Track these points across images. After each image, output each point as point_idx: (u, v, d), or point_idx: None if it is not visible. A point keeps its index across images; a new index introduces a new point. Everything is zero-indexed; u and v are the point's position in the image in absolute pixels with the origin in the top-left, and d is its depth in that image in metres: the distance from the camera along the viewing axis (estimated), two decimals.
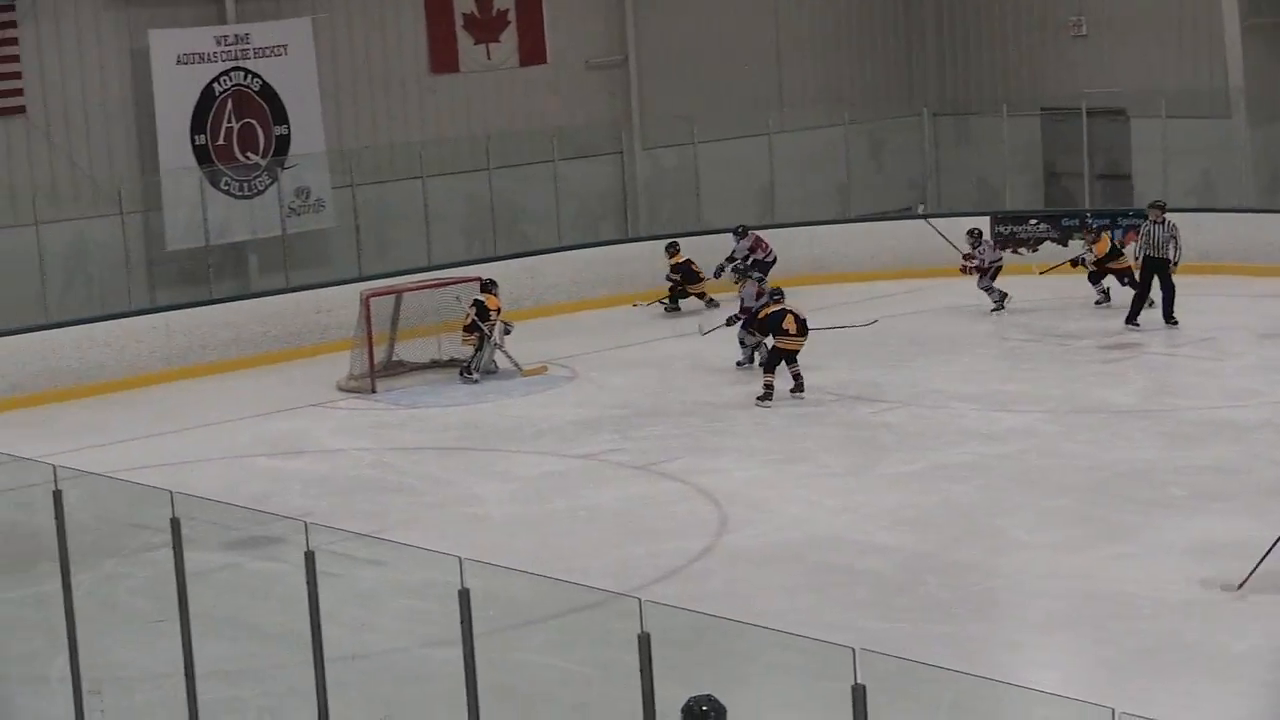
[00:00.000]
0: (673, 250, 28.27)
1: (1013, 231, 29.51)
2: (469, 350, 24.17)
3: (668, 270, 28.17)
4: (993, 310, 26.38)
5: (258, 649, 14.12)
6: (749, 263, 27.09)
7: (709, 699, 8.20)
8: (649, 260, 29.33)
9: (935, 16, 35.23)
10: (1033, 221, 29.55)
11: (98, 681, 12.16)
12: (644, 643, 8.03)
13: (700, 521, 17.15)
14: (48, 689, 13.11)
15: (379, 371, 24.07)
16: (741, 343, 23.67)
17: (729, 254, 28.32)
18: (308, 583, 9.69)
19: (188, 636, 10.61)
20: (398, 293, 25.03)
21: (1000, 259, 26.98)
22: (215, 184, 27.45)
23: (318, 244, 28.54)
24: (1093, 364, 23.27)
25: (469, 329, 24.07)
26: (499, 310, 24.25)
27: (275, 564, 15.62)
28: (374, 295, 24.70)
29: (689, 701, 8.17)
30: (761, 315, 22.57)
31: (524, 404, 22.48)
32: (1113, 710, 7.03)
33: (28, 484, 15.32)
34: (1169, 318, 24.92)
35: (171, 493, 10.72)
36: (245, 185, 27.89)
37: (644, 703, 8.08)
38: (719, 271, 28.24)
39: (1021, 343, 24.91)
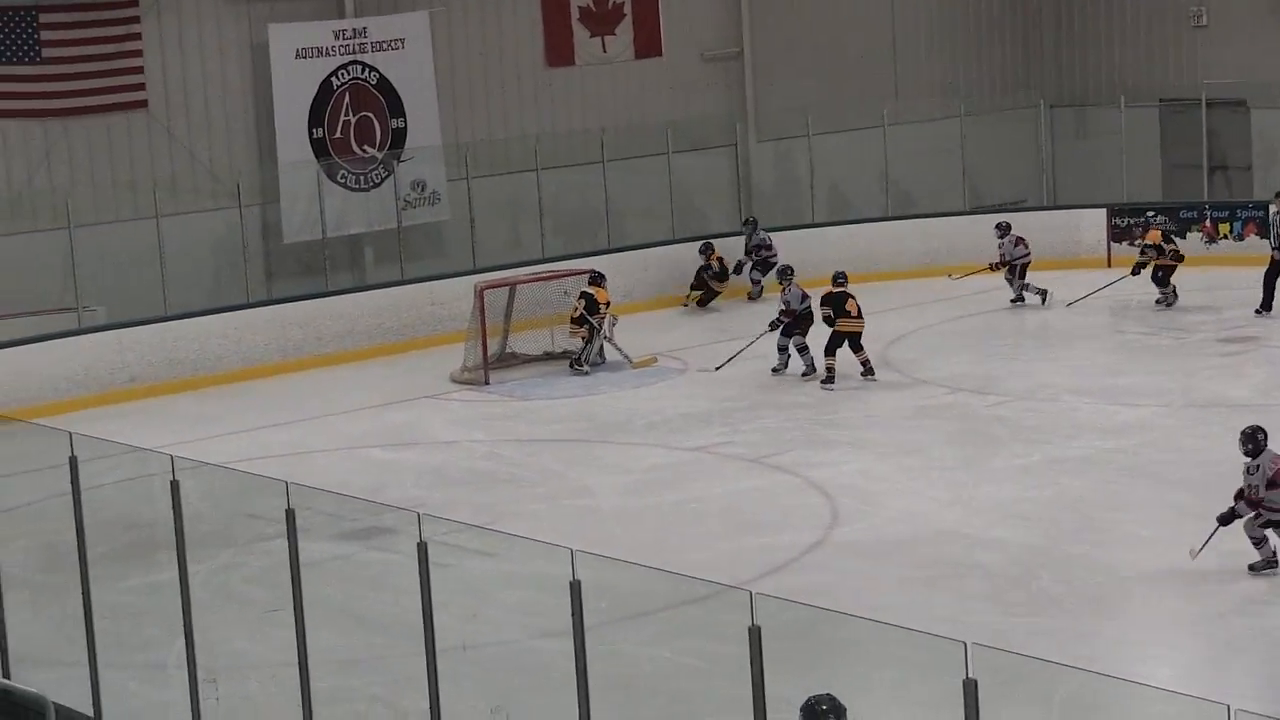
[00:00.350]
0: (708, 251, 28.40)
1: (1130, 224, 29.19)
2: (579, 343, 24.25)
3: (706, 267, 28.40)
4: (1039, 301, 26.35)
5: (370, 639, 14.22)
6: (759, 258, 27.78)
7: (829, 698, 8.17)
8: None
9: (1053, 7, 34.93)
10: (1150, 214, 29.21)
11: (213, 670, 12.29)
12: (754, 636, 8.02)
13: (811, 514, 17.10)
14: (164, 676, 13.28)
15: (492, 363, 24.18)
16: (782, 350, 23.25)
17: (747, 248, 28.65)
18: (420, 573, 9.74)
19: (301, 626, 10.70)
20: (511, 285, 25.13)
21: (1026, 255, 26.56)
22: (332, 177, 27.68)
23: (432, 236, 28.71)
24: (1210, 357, 22.99)
25: (577, 321, 24.14)
26: (608, 303, 24.29)
27: (388, 554, 15.74)
28: (488, 288, 24.82)
29: (809, 700, 8.14)
30: (826, 295, 22.62)
31: (635, 396, 22.50)
32: (1228, 707, 6.95)
33: (146, 474, 15.54)
34: None
35: (286, 483, 10.81)
36: (361, 178, 28.11)
37: (754, 696, 8.07)
38: (739, 267, 28.51)
39: (1138, 336, 24.66)
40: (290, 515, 10.56)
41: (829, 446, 19.61)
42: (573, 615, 8.93)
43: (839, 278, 22.94)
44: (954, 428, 20.25)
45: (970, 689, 7.25)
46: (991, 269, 26.84)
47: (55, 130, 25.88)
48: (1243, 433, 14.68)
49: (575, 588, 8.87)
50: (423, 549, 9.70)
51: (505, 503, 18.00)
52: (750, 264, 28.45)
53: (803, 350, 22.97)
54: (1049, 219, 29.75)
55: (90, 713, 12.26)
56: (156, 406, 23.51)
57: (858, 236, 29.87)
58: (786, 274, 24.08)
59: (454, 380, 24.21)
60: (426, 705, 9.88)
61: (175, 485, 11.37)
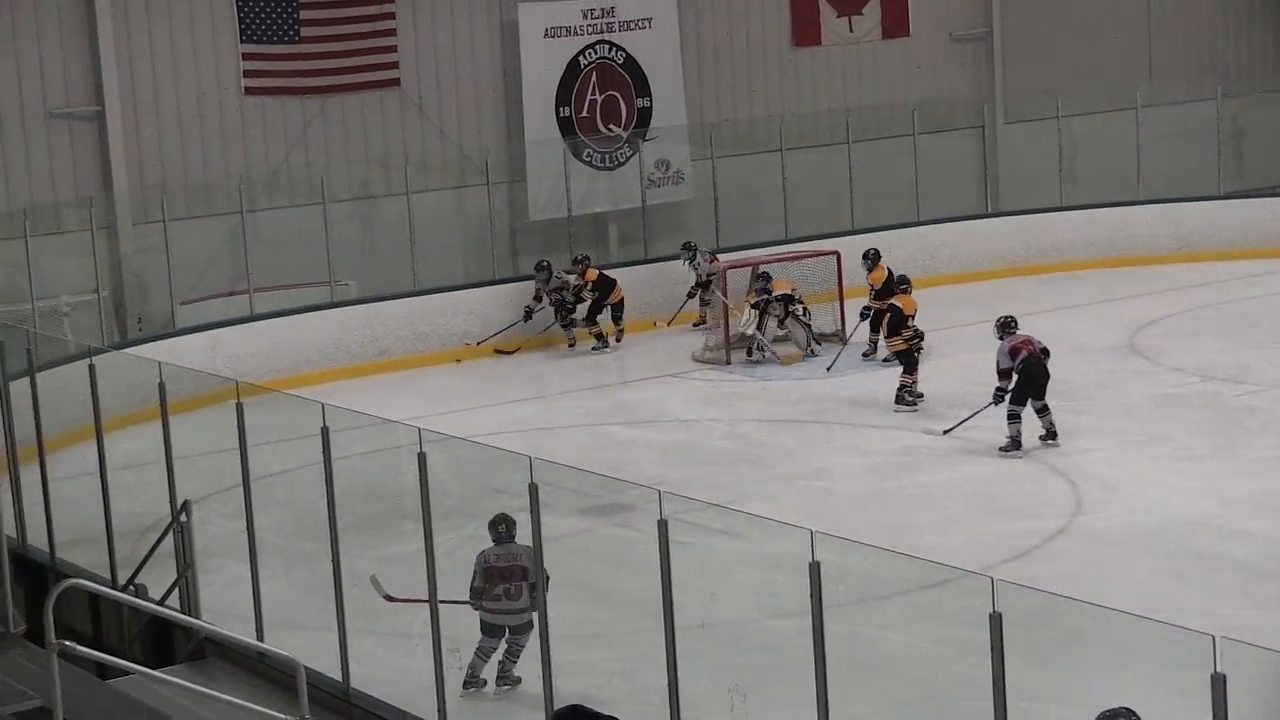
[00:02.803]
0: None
1: None
2: (827, 326, 24.21)
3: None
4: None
5: (609, 614, 14.34)
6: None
7: (1127, 711, 8.01)
8: (1008, 236, 28.99)
9: None
10: None
11: (456, 639, 12.48)
12: (995, 622, 7.95)
13: (1055, 501, 16.89)
14: (408, 644, 13.53)
15: (734, 343, 24.21)
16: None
17: (698, 279, 25.86)
18: (660, 551, 9.80)
19: (543, 599, 10.83)
20: (754, 265, 25.13)
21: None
22: (578, 155, 27.92)
23: (676, 216, 28.81)
24: None
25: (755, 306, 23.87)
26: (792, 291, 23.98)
27: (628, 531, 15.85)
28: (731, 267, 24.85)
29: (1104, 714, 8.01)
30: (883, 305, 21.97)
31: (877, 379, 22.35)
32: None
33: (394, 445, 15.80)
34: None
35: (530, 458, 10.93)
36: (607, 157, 28.31)
37: (994, 682, 8.01)
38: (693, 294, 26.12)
39: None
40: (533, 490, 10.69)
41: (1075, 434, 19.31)
42: (811, 596, 8.92)
43: (903, 283, 22.19)
44: (1204, 416, 19.83)
45: (1218, 684, 7.12)
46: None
47: (312, 108, 26.46)
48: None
49: (815, 569, 8.86)
50: (663, 526, 9.75)
51: (744, 483, 18.02)
52: (550, 303, 25.24)
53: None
54: None
55: (339, 677, 12.55)
56: (404, 380, 23.93)
57: (1107, 221, 29.35)
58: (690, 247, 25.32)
59: (695, 360, 24.30)
60: (664, 683, 9.94)
61: (422, 457, 11.56)
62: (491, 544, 12.69)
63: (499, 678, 12.67)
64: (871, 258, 24.04)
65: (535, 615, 11.60)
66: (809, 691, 9.08)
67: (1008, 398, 18.52)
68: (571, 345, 25.01)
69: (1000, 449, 18.43)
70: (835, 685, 9.14)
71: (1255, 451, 18.18)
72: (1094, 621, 11.23)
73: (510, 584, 12.44)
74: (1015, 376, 18.51)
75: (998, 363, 18.71)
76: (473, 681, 12.66)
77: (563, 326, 25.07)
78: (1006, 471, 18.10)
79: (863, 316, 23.41)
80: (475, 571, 12.64)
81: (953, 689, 12.07)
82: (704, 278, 25.68)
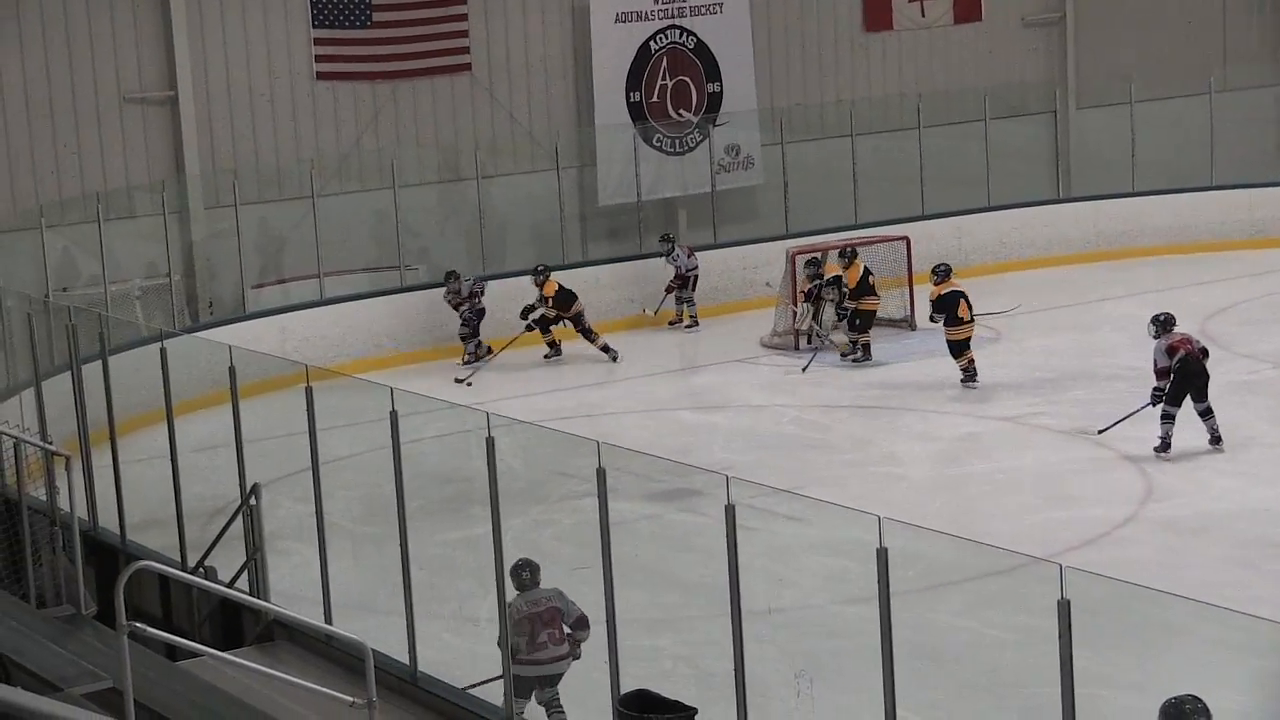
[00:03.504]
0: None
1: None
2: (896, 312, 24.12)
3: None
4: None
5: (676, 599, 14.35)
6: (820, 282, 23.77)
7: (1193, 698, 7.91)
8: (1080, 222, 28.83)
9: None
10: None
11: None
12: (1064, 609, 7.91)
13: (1125, 488, 16.78)
14: (476, 629, 13.57)
15: (789, 331, 24.14)
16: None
17: (677, 273, 25.63)
18: (727, 536, 9.79)
19: (610, 584, 10.84)
20: (824, 251, 25.06)
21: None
22: (648, 140, 27.91)
23: (746, 201, 28.77)
24: None
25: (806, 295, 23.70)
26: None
27: (695, 516, 15.86)
28: (800, 253, 24.79)
29: (1172, 700, 7.92)
30: (935, 296, 21.40)
31: (945, 365, 22.24)
32: None
33: (462, 430, 15.84)
34: None
35: (598, 443, 10.93)
36: (677, 142, 28.29)
37: (1061, 670, 7.96)
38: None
39: None
40: (601, 474, 10.69)
41: (1146, 420, 19.18)
42: (879, 582, 8.90)
43: (946, 271, 21.68)
44: (1276, 404, 19.66)
45: None
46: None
47: (383, 92, 26.55)
48: None
49: (882, 555, 8.84)
50: (730, 511, 9.74)
51: (812, 468, 17.99)
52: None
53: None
54: None
55: (406, 661, 12.60)
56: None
57: (1180, 206, 29.14)
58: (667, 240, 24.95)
59: (764, 345, 24.27)
60: (731, 667, 9.93)
61: (490, 442, 11.59)
62: (515, 594, 11.72)
63: None
64: (848, 255, 23.52)
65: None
66: (876, 678, 9.06)
67: (1163, 398, 17.85)
68: (469, 360, 23.94)
69: (1154, 450, 17.75)
70: (902, 672, 9.11)
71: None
72: (1163, 609, 11.16)
73: (553, 628, 11.63)
74: (1172, 376, 17.85)
75: (1155, 361, 18.01)
76: None
77: (462, 340, 24.06)
78: (1075, 458, 18.00)
79: (840, 316, 23.21)
80: (506, 630, 11.45)
81: (1020, 676, 12.03)
82: (684, 272, 25.55)
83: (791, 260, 24.62)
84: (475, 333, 23.94)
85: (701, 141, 28.28)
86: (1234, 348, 22.28)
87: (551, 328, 24.07)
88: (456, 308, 24.07)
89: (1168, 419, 17.82)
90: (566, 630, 11.61)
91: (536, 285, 24.05)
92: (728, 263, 26.77)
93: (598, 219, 27.94)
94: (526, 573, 11.82)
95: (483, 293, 24.09)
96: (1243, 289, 25.80)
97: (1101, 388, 20.69)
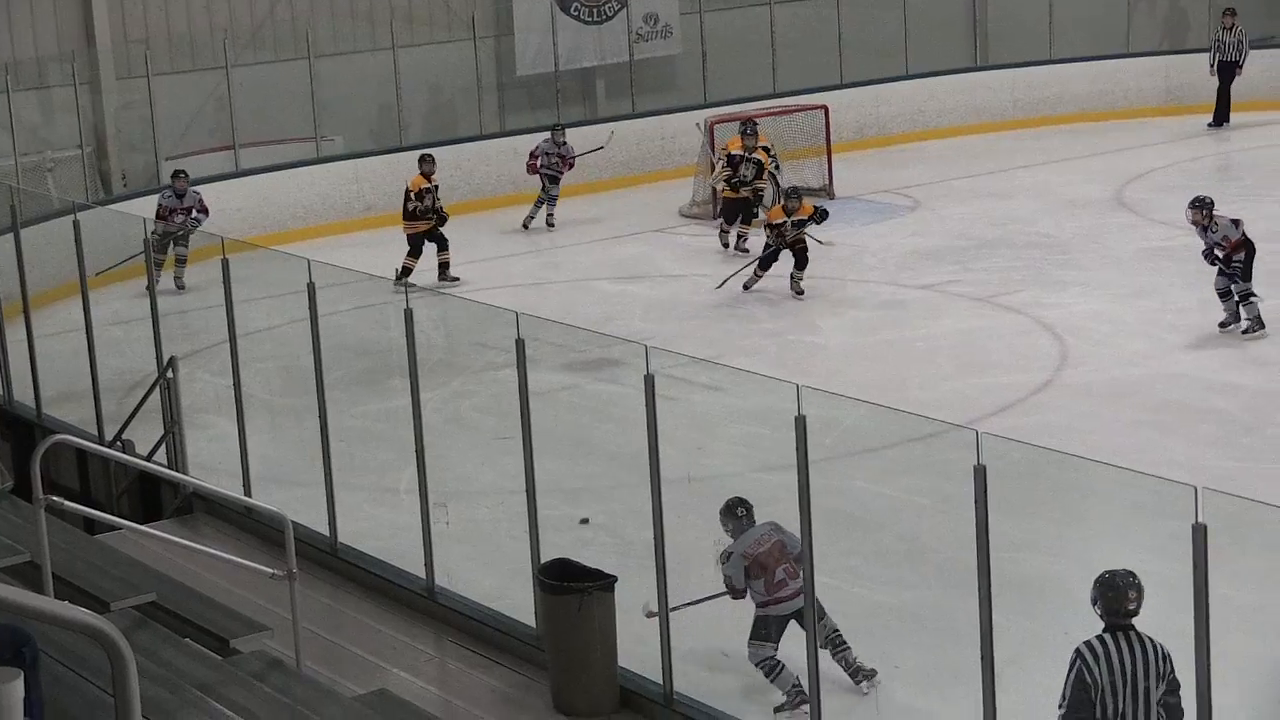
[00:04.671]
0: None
1: None
2: (815, 181, 24.09)
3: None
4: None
5: (596, 468, 14.40)
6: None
7: (1126, 572, 7.89)
8: (997, 90, 28.86)
9: None
10: None
11: (443, 494, 12.53)
12: (980, 475, 7.97)
13: (1040, 355, 16.91)
14: (396, 499, 13.58)
15: (702, 196, 24.09)
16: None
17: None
18: (646, 405, 9.81)
19: (529, 454, 10.86)
20: (742, 120, 24.95)
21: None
22: (565, 9, 27.66)
23: (664, 70, 28.61)
24: None
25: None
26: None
27: (615, 386, 15.90)
28: (718, 122, 24.71)
29: (1104, 575, 7.89)
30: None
31: (863, 234, 22.33)
32: None
33: (381, 301, 15.81)
34: None
35: (517, 313, 10.92)
36: (595, 11, 28.04)
37: (978, 535, 8.04)
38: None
39: None
40: (520, 345, 10.69)
41: (1060, 287, 19.33)
42: (797, 450, 8.94)
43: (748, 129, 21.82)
44: (1190, 270, 19.76)
45: (1200, 534, 7.15)
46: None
47: None
48: None
49: (800, 423, 8.88)
50: (650, 381, 9.75)
51: (732, 338, 18.03)
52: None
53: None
54: None
55: (326, 532, 12.61)
56: (391, 235, 23.84)
57: (1098, 74, 29.23)
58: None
59: (683, 214, 24.24)
60: (650, 536, 9.99)
61: (408, 313, 11.56)
62: (730, 539, 10.61)
63: (855, 674, 10.39)
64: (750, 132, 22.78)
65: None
66: None
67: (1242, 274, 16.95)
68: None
69: (1253, 330, 16.89)
70: (821, 538, 9.19)
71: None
72: (1078, 473, 11.30)
73: (786, 563, 10.27)
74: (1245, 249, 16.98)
75: (1226, 237, 16.97)
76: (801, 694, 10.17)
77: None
78: (992, 326, 18.11)
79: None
80: (731, 577, 10.46)
81: (938, 541, 12.15)
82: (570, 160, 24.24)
83: (710, 130, 24.53)
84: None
85: (620, 10, 28.05)
86: (1150, 214, 22.42)
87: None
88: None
89: (1252, 295, 16.97)
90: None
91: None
92: (646, 132, 26.67)
93: (515, 89, 27.73)
94: (742, 509, 10.64)
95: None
96: (1159, 155, 25.94)
97: (1019, 255, 20.80)
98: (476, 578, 12.05)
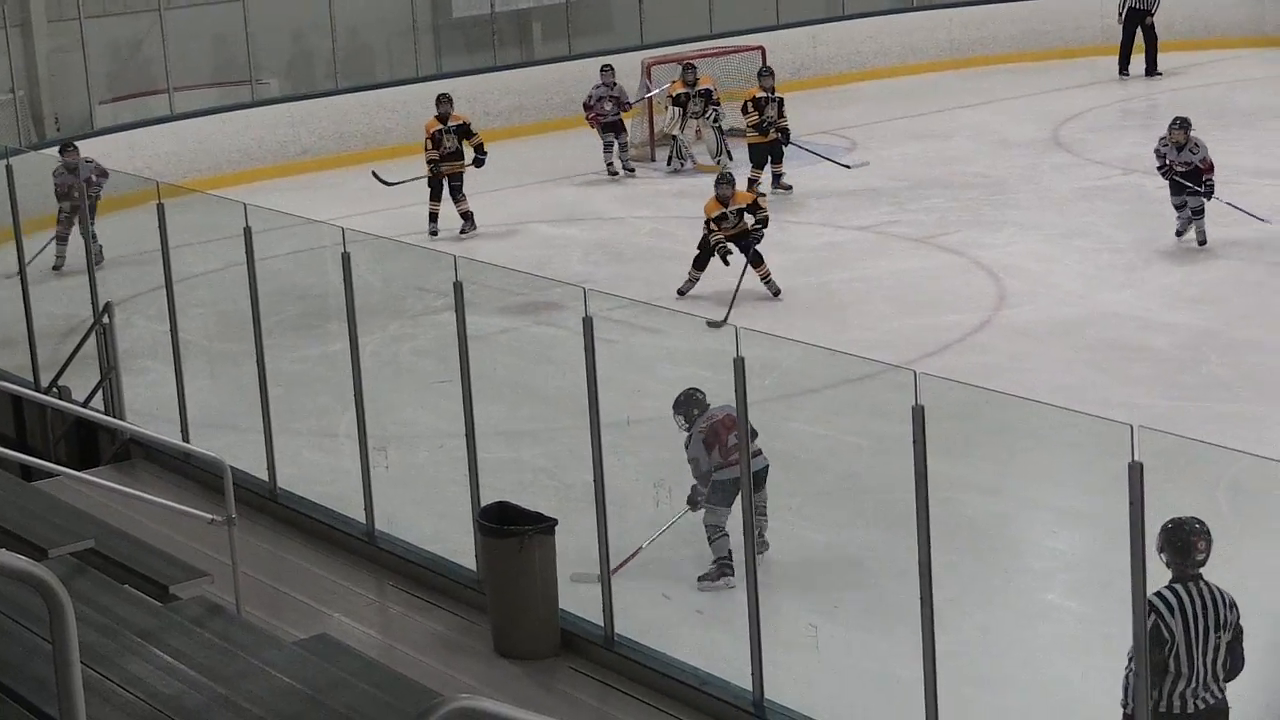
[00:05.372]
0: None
1: None
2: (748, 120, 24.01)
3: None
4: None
5: (536, 411, 14.40)
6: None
7: (1194, 520, 7.77)
8: (933, 30, 28.90)
9: None
10: None
11: (383, 439, 12.52)
12: (918, 415, 8.00)
13: (977, 295, 16.98)
14: (335, 444, 13.57)
15: (659, 140, 24.06)
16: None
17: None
18: (585, 348, 9.81)
19: (468, 397, 10.85)
20: (679, 61, 24.92)
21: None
22: None
23: (601, 11, 28.49)
24: None
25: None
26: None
27: (553, 329, 15.88)
28: (656, 63, 24.64)
29: (1170, 522, 7.75)
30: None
31: (801, 175, 22.30)
32: None
33: (318, 246, 15.73)
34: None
35: (455, 257, 10.90)
36: None
37: (915, 475, 8.08)
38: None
39: None
40: (458, 288, 10.66)
41: (997, 227, 19.40)
42: (736, 391, 8.97)
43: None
44: (1126, 209, 19.91)
45: (1136, 472, 7.20)
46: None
47: None
48: None
49: (739, 364, 8.90)
50: (588, 324, 9.75)
51: (671, 280, 18.00)
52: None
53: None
54: None
55: (265, 477, 12.58)
56: (328, 180, 23.75)
57: (1032, 13, 29.30)
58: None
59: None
60: (590, 478, 10.01)
61: (346, 257, 11.51)
62: (687, 428, 11.13)
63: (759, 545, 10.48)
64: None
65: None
66: None
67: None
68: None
69: (1200, 244, 17.93)
70: None
71: (1176, 243, 18.27)
72: (1015, 413, 11.37)
73: (735, 429, 10.10)
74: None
75: (1204, 159, 17.81)
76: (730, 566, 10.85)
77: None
78: (930, 266, 18.17)
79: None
80: (698, 459, 11.00)
81: (877, 482, 12.21)
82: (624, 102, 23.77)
83: (647, 72, 24.47)
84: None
85: None
86: (1085, 154, 22.52)
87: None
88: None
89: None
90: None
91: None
92: (583, 74, 26.53)
93: (451, 31, 27.57)
94: (699, 393, 11.16)
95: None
96: (1094, 95, 26.04)
97: (956, 195, 20.85)
98: (417, 522, 12.05)
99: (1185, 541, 7.69)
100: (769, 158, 21.40)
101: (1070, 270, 17.70)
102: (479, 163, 20.56)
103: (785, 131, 21.33)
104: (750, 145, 21.46)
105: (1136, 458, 7.19)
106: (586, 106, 23.49)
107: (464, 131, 20.58)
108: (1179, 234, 18.12)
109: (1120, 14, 27.33)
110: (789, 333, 13.13)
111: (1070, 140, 23.35)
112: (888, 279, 17.85)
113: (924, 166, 22.34)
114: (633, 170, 23.14)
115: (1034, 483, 12.39)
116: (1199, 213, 17.90)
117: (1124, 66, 27.17)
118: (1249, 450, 9.50)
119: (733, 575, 10.66)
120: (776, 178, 21.48)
